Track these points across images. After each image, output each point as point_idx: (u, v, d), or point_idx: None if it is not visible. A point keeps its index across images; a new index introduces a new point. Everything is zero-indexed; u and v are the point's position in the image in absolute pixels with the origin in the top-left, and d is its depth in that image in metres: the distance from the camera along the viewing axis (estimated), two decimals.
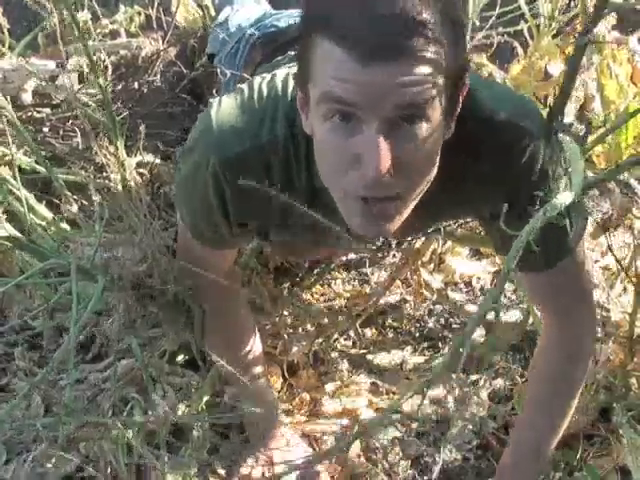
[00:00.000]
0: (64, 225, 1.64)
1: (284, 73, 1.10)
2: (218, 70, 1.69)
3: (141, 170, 1.62)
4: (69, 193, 1.66)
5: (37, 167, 1.71)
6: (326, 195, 1.00)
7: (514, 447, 1.35)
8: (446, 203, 1.06)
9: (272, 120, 1.05)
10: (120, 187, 1.47)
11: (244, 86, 1.12)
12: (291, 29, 1.55)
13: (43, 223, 1.60)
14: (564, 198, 0.82)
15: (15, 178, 1.56)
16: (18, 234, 1.48)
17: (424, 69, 0.86)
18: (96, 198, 1.51)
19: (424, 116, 0.89)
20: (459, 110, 0.96)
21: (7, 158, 1.66)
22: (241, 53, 1.65)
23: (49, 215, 1.63)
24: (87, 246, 1.37)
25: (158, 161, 1.73)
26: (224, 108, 1.09)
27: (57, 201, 1.68)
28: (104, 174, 1.54)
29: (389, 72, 0.85)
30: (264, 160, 1.06)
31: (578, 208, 1.08)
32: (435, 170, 0.97)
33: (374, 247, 1.31)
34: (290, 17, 1.63)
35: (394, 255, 1.82)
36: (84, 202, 1.70)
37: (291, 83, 1.06)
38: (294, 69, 0.98)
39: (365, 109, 0.87)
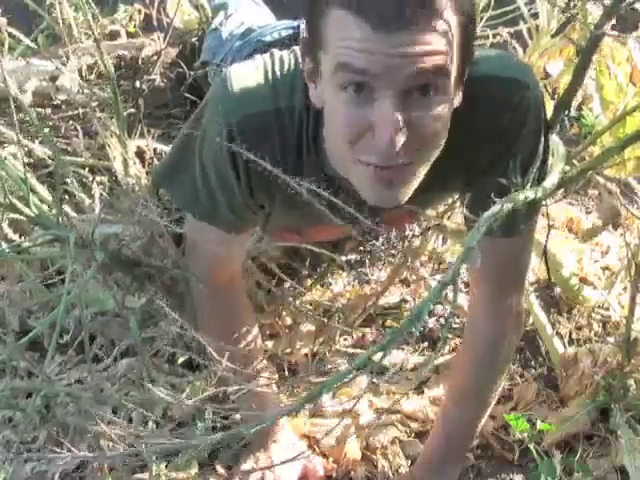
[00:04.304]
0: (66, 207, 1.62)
1: None
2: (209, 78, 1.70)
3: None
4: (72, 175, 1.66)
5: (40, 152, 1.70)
6: (333, 170, 1.01)
7: (447, 427, 1.38)
8: (447, 167, 1.03)
9: (291, 88, 1.05)
10: (121, 166, 1.47)
11: (265, 55, 1.11)
12: (277, 44, 1.54)
13: (44, 206, 1.58)
14: (528, 194, 0.84)
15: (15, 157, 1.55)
16: (18, 203, 1.46)
17: (440, 38, 0.87)
18: (98, 179, 1.51)
19: (437, 85, 0.90)
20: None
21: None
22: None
23: (49, 197, 1.62)
24: (87, 223, 1.36)
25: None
26: (243, 71, 1.08)
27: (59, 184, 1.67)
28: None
29: (409, 40, 0.86)
30: (279, 125, 1.05)
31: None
32: (445, 137, 0.97)
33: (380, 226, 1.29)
34: (276, 30, 1.63)
35: (393, 255, 1.82)
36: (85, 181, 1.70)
37: None
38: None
39: (381, 79, 0.88)
